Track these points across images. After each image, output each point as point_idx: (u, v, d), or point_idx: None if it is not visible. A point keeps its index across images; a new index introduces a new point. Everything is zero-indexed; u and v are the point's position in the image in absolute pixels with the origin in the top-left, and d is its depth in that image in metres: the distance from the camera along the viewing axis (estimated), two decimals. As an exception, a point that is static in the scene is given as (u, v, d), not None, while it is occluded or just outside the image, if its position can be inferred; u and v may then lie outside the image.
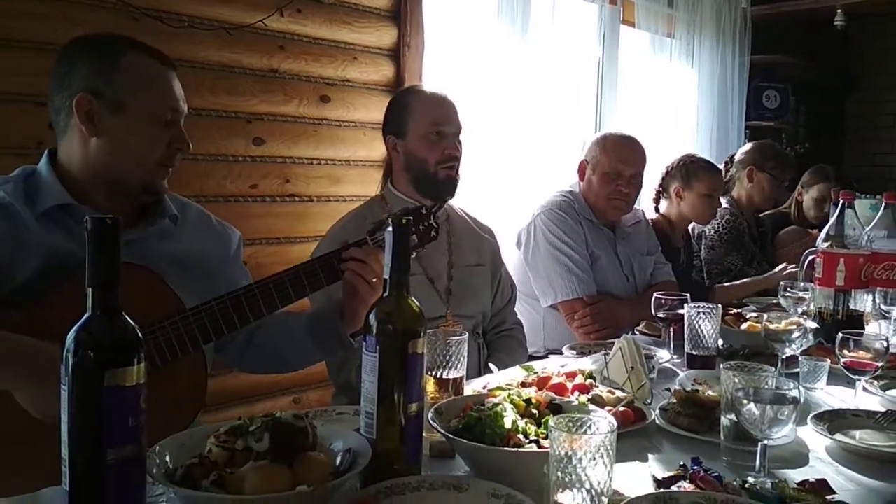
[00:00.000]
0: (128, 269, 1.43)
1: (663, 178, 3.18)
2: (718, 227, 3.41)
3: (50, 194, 1.46)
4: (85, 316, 0.88)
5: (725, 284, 3.16)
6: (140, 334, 0.90)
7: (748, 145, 3.77)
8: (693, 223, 3.32)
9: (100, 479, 0.86)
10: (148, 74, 1.51)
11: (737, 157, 3.68)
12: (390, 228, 1.13)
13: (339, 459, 1.09)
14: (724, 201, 3.51)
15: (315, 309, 1.79)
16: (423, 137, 2.16)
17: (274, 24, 2.49)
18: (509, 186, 3.24)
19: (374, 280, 1.56)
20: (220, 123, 2.42)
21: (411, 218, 1.18)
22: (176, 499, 1.05)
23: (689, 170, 3.10)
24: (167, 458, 1.06)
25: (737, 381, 1.32)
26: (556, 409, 1.32)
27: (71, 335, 0.87)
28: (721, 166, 3.23)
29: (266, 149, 2.54)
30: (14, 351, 1.27)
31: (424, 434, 1.23)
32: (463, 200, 2.38)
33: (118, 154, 1.49)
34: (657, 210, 3.21)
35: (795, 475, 1.29)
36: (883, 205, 2.39)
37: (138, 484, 0.90)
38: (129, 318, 0.90)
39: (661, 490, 1.16)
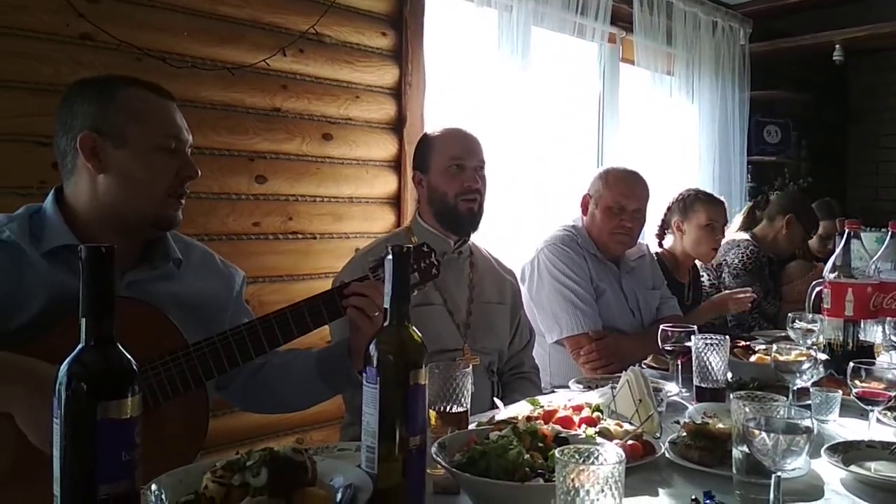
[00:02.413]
0: (130, 303, 1.44)
1: (665, 215, 3.20)
2: (743, 257, 3.45)
3: (55, 234, 1.45)
4: (78, 346, 0.86)
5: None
6: (135, 366, 0.88)
7: (788, 192, 3.89)
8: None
9: (92, 515, 0.84)
10: (146, 106, 1.52)
11: (775, 199, 3.76)
12: (390, 257, 1.12)
13: (339, 495, 1.05)
14: (746, 235, 3.53)
15: (326, 346, 1.77)
16: (444, 171, 2.20)
17: (276, 64, 2.52)
18: (512, 222, 3.23)
19: (377, 314, 1.55)
20: (222, 162, 2.43)
21: (411, 247, 1.16)
22: (171, 538, 1.02)
23: (686, 203, 3.13)
24: (163, 495, 1.03)
25: (748, 410, 1.29)
26: (562, 442, 1.28)
27: (63, 366, 0.85)
28: (723, 201, 3.23)
29: (269, 186, 2.55)
30: (18, 370, 1.25)
31: (428, 469, 1.20)
32: (479, 239, 2.39)
33: (127, 188, 1.49)
34: (661, 245, 3.21)
35: (811, 508, 1.25)
36: (889, 234, 2.37)
37: (132, 521, 0.88)
38: (123, 350, 0.88)
39: (673, 524, 1.13)
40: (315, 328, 1.58)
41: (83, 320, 0.86)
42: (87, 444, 0.84)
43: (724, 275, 3.44)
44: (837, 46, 4.66)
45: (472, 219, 2.21)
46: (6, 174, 1.98)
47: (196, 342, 1.46)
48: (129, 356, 0.88)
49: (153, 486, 1.03)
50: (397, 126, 2.90)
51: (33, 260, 1.42)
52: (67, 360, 0.85)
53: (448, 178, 2.19)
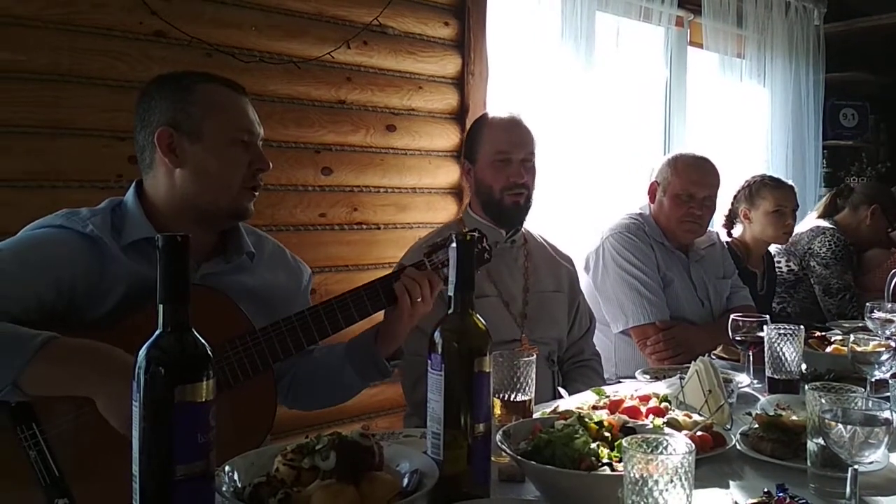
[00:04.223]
0: (201, 292, 1.48)
1: (732, 204, 3.14)
2: (831, 245, 3.36)
3: (135, 227, 1.51)
4: (156, 332, 0.90)
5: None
6: (210, 351, 0.91)
7: (874, 182, 3.83)
8: (773, 245, 3.22)
9: (168, 494, 0.87)
10: (220, 100, 1.56)
11: (860, 189, 3.66)
12: (454, 244, 1.12)
13: (405, 480, 1.07)
14: (827, 223, 3.46)
15: (355, 339, 1.78)
16: (490, 164, 2.18)
17: (341, 57, 2.55)
18: (577, 211, 3.20)
19: (419, 300, 1.58)
20: (289, 154, 2.47)
21: (475, 234, 1.16)
22: (244, 518, 1.05)
23: (752, 190, 3.07)
24: (236, 477, 1.06)
25: (824, 402, 1.25)
26: (629, 432, 1.27)
27: (142, 352, 0.89)
28: (792, 185, 3.13)
29: (334, 178, 2.58)
30: (100, 357, 1.30)
31: (493, 457, 1.20)
32: (533, 226, 2.37)
33: (202, 181, 1.54)
34: (730, 235, 3.13)
35: (889, 502, 1.21)
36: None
37: (206, 501, 0.91)
38: (199, 336, 0.91)
39: (744, 517, 1.11)
40: (373, 313, 1.61)
41: (160, 307, 0.89)
42: (164, 426, 0.87)
43: (812, 264, 3.35)
44: (918, 25, 4.44)
45: (518, 212, 2.19)
46: (85, 168, 2.06)
47: (262, 328, 1.51)
48: (203, 342, 0.91)
49: (227, 468, 1.06)
50: (460, 116, 2.89)
51: (114, 253, 1.47)
52: (146, 345, 0.89)
53: (494, 171, 2.17)
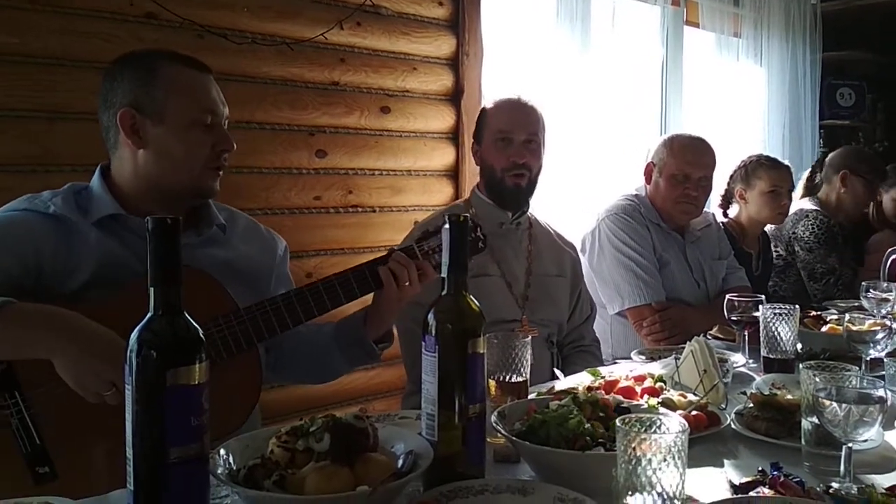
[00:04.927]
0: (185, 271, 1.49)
1: (728, 184, 3.12)
2: (814, 229, 3.30)
3: (101, 205, 1.52)
4: (147, 315, 0.89)
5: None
6: (202, 333, 0.90)
7: (841, 149, 3.68)
8: (768, 226, 3.21)
9: (163, 477, 0.87)
10: (183, 81, 1.55)
11: (827, 161, 3.58)
12: (447, 226, 1.12)
13: (400, 461, 1.07)
14: (811, 204, 3.41)
15: (345, 317, 1.78)
16: (492, 144, 2.19)
17: (334, 38, 2.52)
18: (573, 192, 3.19)
19: (407, 284, 1.59)
20: (283, 137, 2.45)
21: (468, 216, 1.16)
22: (240, 500, 1.06)
23: (748, 170, 3.04)
24: (231, 459, 1.07)
25: (818, 380, 1.25)
26: (623, 411, 1.27)
27: (134, 335, 0.88)
28: (788, 165, 3.11)
29: (329, 161, 2.57)
30: (62, 321, 1.32)
31: (488, 438, 1.21)
32: (539, 212, 2.38)
33: (165, 162, 1.54)
34: (725, 215, 3.13)
35: (883, 480, 1.21)
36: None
37: (202, 483, 0.91)
38: (190, 318, 0.90)
39: (739, 495, 1.11)
40: (360, 296, 1.61)
41: (152, 290, 0.89)
42: (157, 409, 0.87)
43: (796, 248, 3.33)
44: (916, 3, 4.42)
45: (518, 194, 2.19)
46: (80, 152, 2.04)
47: (247, 306, 1.51)
48: (196, 324, 0.90)
49: (221, 451, 1.07)
50: (455, 97, 2.88)
51: (83, 229, 1.48)
52: (138, 327, 0.88)
53: (495, 151, 2.18)
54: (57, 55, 2.00)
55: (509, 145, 2.16)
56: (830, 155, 3.64)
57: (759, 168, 3.02)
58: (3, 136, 1.94)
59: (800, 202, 3.49)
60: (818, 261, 3.27)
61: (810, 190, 3.57)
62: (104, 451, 1.33)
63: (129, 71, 1.54)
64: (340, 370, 1.78)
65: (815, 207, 3.40)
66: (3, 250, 1.42)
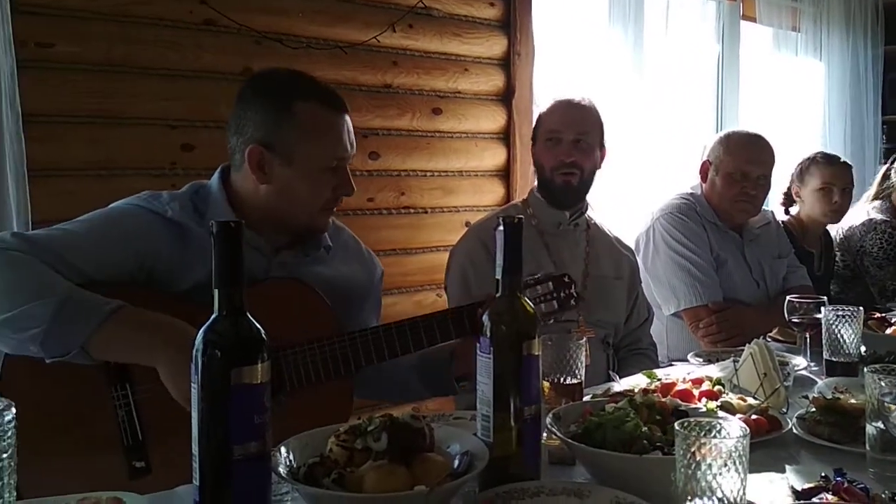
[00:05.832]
0: (292, 285, 1.53)
1: (789, 183, 3.06)
2: (882, 243, 3.15)
3: (218, 212, 1.53)
4: (212, 316, 0.92)
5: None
6: (264, 334, 0.92)
7: None
8: (833, 230, 3.12)
9: (227, 474, 0.89)
10: (319, 125, 1.54)
11: None
12: (500, 228, 1.12)
13: (456, 461, 1.08)
14: (880, 213, 3.25)
15: (431, 349, 1.74)
16: (543, 144, 2.20)
17: (386, 41, 2.55)
18: (627, 191, 3.16)
19: None
20: (337, 139, 2.49)
21: (522, 218, 1.16)
22: (300, 497, 1.08)
23: (802, 168, 2.99)
24: (291, 457, 1.09)
25: (883, 385, 1.21)
26: (681, 415, 1.25)
27: (200, 335, 0.91)
28: (845, 162, 3.01)
29: (381, 163, 2.60)
30: (162, 326, 1.33)
31: (543, 440, 1.20)
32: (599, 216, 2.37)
33: (286, 200, 1.55)
34: (787, 214, 3.06)
35: (954, 489, 1.17)
36: None
37: (263, 480, 0.93)
38: (253, 319, 0.93)
39: (802, 501, 1.09)
40: (456, 338, 1.56)
41: (216, 291, 0.91)
42: (221, 407, 0.89)
43: (866, 263, 3.19)
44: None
45: (568, 192, 2.18)
46: (140, 157, 2.11)
47: (351, 332, 1.50)
48: (258, 325, 0.92)
49: (282, 449, 1.09)
50: (506, 97, 2.88)
51: (197, 234, 1.50)
52: (203, 328, 0.91)
53: (545, 151, 2.18)
54: (116, 62, 2.06)
55: (558, 144, 2.16)
56: None
57: (812, 165, 2.96)
58: (68, 141, 2.01)
59: (869, 206, 3.34)
60: (889, 277, 3.15)
61: (882, 191, 3.37)
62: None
63: (264, 103, 1.53)
64: (417, 395, 1.77)
65: (884, 218, 3.22)
66: (123, 242, 1.45)
